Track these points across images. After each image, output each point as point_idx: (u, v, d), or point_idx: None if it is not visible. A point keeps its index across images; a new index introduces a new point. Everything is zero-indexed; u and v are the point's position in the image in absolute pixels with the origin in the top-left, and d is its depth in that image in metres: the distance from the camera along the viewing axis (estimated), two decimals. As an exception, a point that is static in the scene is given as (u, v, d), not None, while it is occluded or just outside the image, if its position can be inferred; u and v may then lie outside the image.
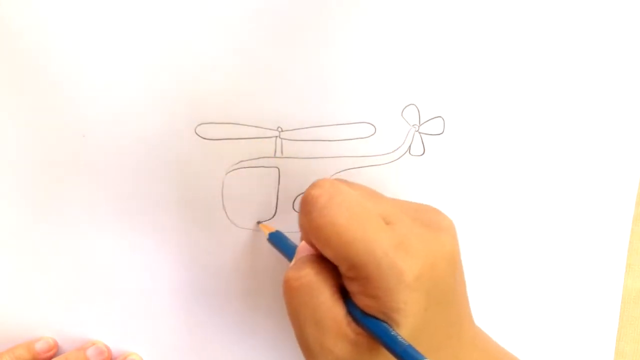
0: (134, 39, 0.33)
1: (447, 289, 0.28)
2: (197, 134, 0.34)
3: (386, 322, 0.27)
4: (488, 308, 0.38)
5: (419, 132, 0.36)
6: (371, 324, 0.27)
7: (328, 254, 0.28)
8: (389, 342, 0.26)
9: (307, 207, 0.28)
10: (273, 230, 0.35)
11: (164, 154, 0.35)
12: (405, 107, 0.35)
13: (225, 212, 0.36)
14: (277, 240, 0.34)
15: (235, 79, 0.34)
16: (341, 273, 0.28)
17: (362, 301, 0.27)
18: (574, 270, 0.38)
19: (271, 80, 0.34)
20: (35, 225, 0.35)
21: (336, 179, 0.32)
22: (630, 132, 0.37)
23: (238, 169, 0.35)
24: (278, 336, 0.38)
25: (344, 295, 0.28)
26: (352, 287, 0.28)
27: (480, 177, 0.37)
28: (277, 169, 0.35)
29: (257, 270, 0.37)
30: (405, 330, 0.27)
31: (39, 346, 0.36)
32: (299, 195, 0.35)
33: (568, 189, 0.37)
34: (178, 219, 0.36)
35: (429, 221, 0.29)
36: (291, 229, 0.36)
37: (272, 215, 0.36)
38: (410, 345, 0.26)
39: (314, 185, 0.28)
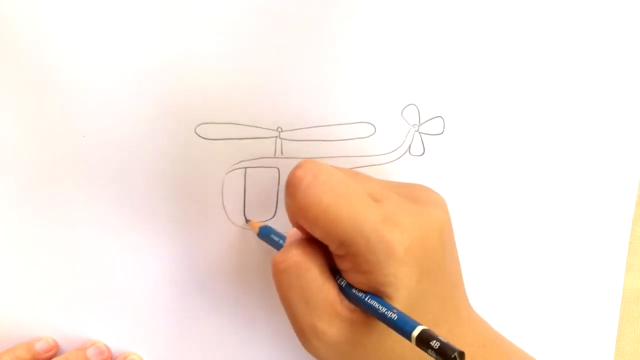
0: (133, 39, 0.33)
1: (438, 264, 0.28)
2: (197, 134, 0.34)
3: (379, 296, 0.27)
4: (488, 307, 0.38)
5: (419, 132, 0.36)
6: (364, 297, 0.27)
7: (316, 233, 0.27)
8: (384, 313, 0.26)
9: (291, 188, 0.27)
10: (261, 224, 0.35)
11: (164, 154, 0.35)
12: (405, 107, 0.35)
13: (225, 212, 0.36)
14: (267, 234, 0.34)
15: (235, 79, 0.34)
16: (331, 252, 0.28)
17: (353, 278, 0.27)
18: (574, 270, 0.38)
19: (271, 80, 0.34)
20: (35, 225, 0.35)
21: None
22: (630, 132, 0.37)
23: (238, 169, 0.35)
24: (281, 336, 0.37)
25: (335, 274, 0.28)
26: (342, 265, 0.28)
27: (480, 177, 0.37)
28: (277, 169, 0.35)
29: (258, 270, 0.37)
30: (400, 304, 0.27)
31: (39, 346, 0.36)
32: (299, 195, 0.35)
33: (568, 189, 0.37)
34: (178, 219, 0.36)
35: (418, 197, 0.29)
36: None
37: (272, 215, 0.36)
38: (404, 314, 0.26)
39: (297, 167, 0.28)
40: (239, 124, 0.35)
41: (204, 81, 0.34)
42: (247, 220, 0.36)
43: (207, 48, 0.33)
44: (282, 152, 0.35)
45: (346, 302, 0.28)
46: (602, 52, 0.35)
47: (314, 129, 0.35)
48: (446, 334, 0.29)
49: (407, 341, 0.25)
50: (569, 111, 0.36)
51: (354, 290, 0.27)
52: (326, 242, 0.28)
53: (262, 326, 0.37)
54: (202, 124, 0.34)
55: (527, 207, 0.37)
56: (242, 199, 0.35)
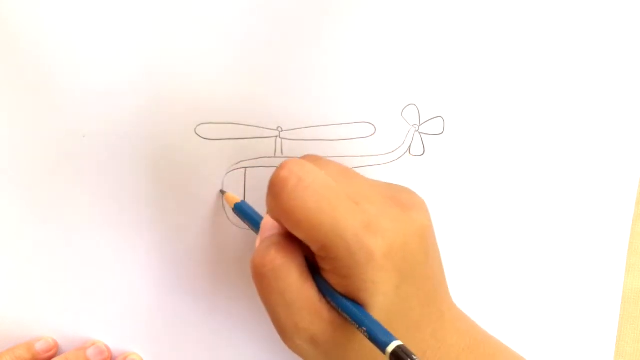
0: (133, 39, 0.33)
1: (419, 266, 0.28)
2: (197, 134, 0.34)
3: (357, 302, 0.27)
4: (488, 307, 0.38)
5: (419, 132, 0.36)
6: (340, 302, 0.27)
7: (298, 235, 0.27)
8: (358, 320, 0.26)
9: (275, 189, 0.27)
10: (238, 200, 0.34)
11: (164, 154, 0.35)
12: (405, 107, 0.35)
13: (225, 212, 0.36)
14: (243, 211, 0.34)
15: (235, 78, 0.34)
16: (313, 251, 0.28)
17: (333, 279, 0.27)
18: (574, 270, 0.38)
19: (271, 80, 0.34)
20: (35, 225, 0.35)
21: (306, 158, 0.31)
22: (630, 132, 0.36)
23: (238, 169, 0.35)
24: (278, 336, 0.37)
25: (314, 272, 0.28)
26: (323, 265, 0.28)
27: (480, 177, 0.37)
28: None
29: (257, 270, 0.37)
30: (377, 310, 0.27)
31: (39, 346, 0.36)
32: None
33: (568, 189, 0.37)
34: (178, 219, 0.36)
35: (400, 200, 0.29)
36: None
37: (272, 215, 0.36)
38: (381, 326, 0.26)
39: (281, 167, 0.28)
40: (239, 124, 0.35)
41: (204, 81, 0.34)
42: (222, 192, 0.35)
43: (207, 48, 0.33)
44: (282, 152, 0.35)
45: (325, 302, 0.28)
46: (602, 52, 0.35)
47: (314, 129, 0.35)
48: (429, 337, 0.29)
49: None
50: (568, 111, 0.36)
51: (332, 295, 0.28)
52: (307, 244, 0.28)
53: (263, 327, 0.37)
54: (202, 124, 0.34)
55: (527, 207, 0.37)
56: (242, 199, 0.35)
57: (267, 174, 0.35)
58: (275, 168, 0.28)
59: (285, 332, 0.29)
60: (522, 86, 0.36)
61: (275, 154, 0.35)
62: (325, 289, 0.28)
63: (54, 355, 0.37)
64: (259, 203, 0.36)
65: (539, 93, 0.36)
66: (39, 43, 0.33)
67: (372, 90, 0.35)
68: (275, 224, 0.29)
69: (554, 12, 0.35)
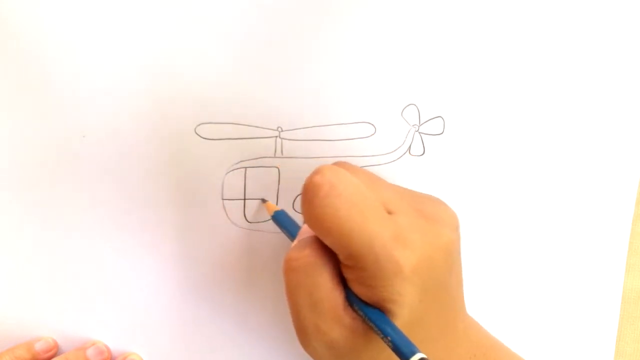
0: (133, 39, 0.33)
1: (442, 282, 0.28)
2: (197, 134, 0.34)
3: (382, 311, 0.27)
4: (488, 307, 0.38)
5: (419, 132, 0.36)
6: (368, 311, 0.27)
7: (327, 242, 0.27)
8: (384, 330, 0.26)
9: (308, 195, 0.27)
10: (277, 208, 0.34)
11: (164, 154, 0.35)
12: (405, 107, 0.35)
13: (225, 212, 0.36)
14: (281, 220, 0.34)
15: (235, 79, 0.34)
16: (340, 260, 0.28)
17: (358, 289, 0.27)
18: (574, 270, 0.38)
19: (271, 80, 0.34)
20: (35, 225, 0.35)
21: (338, 164, 0.31)
22: (630, 132, 0.37)
23: (238, 169, 0.35)
24: (279, 336, 0.37)
25: (343, 280, 0.28)
26: (349, 274, 0.28)
27: (480, 177, 0.37)
28: (277, 169, 0.35)
29: (258, 270, 0.37)
30: (400, 321, 0.27)
31: (39, 346, 0.36)
32: (299, 195, 0.35)
33: (568, 189, 0.37)
34: (178, 219, 0.36)
35: (431, 212, 0.29)
36: (291, 229, 0.36)
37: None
38: (404, 336, 0.26)
39: (315, 172, 0.28)
40: (239, 124, 0.35)
41: (204, 81, 0.34)
42: (263, 201, 0.35)
43: (207, 48, 0.33)
44: (282, 152, 0.35)
45: (349, 309, 0.28)
46: (602, 52, 0.35)
47: (314, 129, 0.35)
48: (442, 349, 0.29)
49: None
50: (568, 111, 0.36)
51: (358, 303, 0.28)
52: (336, 252, 0.28)
53: (262, 326, 0.37)
54: (202, 124, 0.34)
55: (527, 207, 0.37)
56: (242, 198, 0.35)
57: (267, 174, 0.35)
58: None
59: (305, 332, 0.28)
60: (522, 86, 0.36)
61: (275, 154, 0.35)
62: (350, 296, 0.28)
63: (54, 355, 0.37)
64: (258, 203, 0.36)
65: (539, 93, 0.36)
66: (39, 43, 0.33)
67: (372, 90, 0.35)
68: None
69: (554, 13, 0.35)
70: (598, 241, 0.38)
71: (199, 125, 0.34)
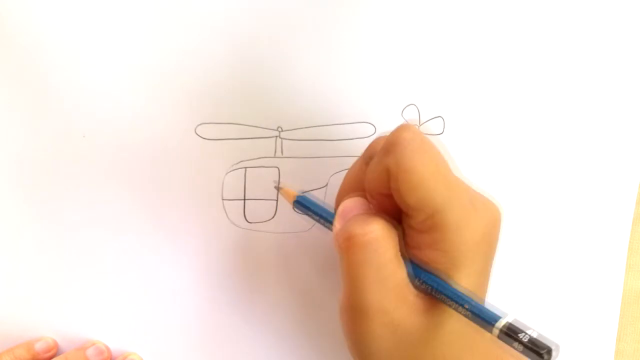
0: (133, 39, 0.33)
1: (491, 260, 0.29)
2: (197, 134, 0.34)
3: (450, 278, 0.26)
4: (488, 308, 0.38)
5: (419, 132, 0.36)
6: (437, 281, 0.26)
7: (410, 199, 0.26)
8: (459, 298, 0.25)
9: (397, 148, 0.26)
10: (296, 193, 0.33)
11: (164, 154, 0.35)
12: (405, 107, 0.35)
13: (225, 212, 0.36)
14: (307, 203, 0.32)
15: (235, 79, 0.34)
16: (411, 225, 0.27)
17: (427, 255, 0.27)
18: (574, 270, 0.38)
19: (271, 80, 0.34)
20: (35, 225, 0.35)
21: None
22: (630, 132, 0.36)
23: (238, 169, 0.35)
24: (279, 335, 0.37)
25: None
26: (420, 239, 0.27)
27: (480, 177, 0.37)
28: (277, 169, 0.35)
29: (258, 270, 0.37)
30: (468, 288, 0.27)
31: (39, 346, 0.36)
32: (299, 195, 0.35)
33: (568, 189, 0.37)
34: (178, 219, 0.36)
35: (481, 196, 0.29)
36: (292, 229, 0.36)
37: (272, 216, 0.36)
38: (481, 302, 0.25)
39: (401, 129, 0.27)
40: (239, 124, 0.35)
41: (204, 81, 0.34)
42: (279, 188, 0.35)
43: (207, 48, 0.33)
44: (282, 152, 0.35)
45: (411, 287, 0.27)
46: (602, 52, 0.35)
47: (314, 129, 0.35)
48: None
49: (467, 333, 0.24)
50: (569, 112, 0.36)
51: (424, 276, 0.26)
52: (413, 213, 0.26)
53: (262, 325, 0.37)
54: (202, 124, 0.34)
55: (527, 207, 0.37)
56: (242, 199, 0.35)
57: (267, 174, 0.35)
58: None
59: (366, 311, 0.27)
60: (522, 86, 0.36)
61: (275, 154, 0.35)
62: (417, 269, 0.27)
63: (54, 355, 0.37)
64: (259, 203, 0.36)
65: (539, 94, 0.36)
66: (39, 43, 0.33)
67: (372, 90, 0.35)
68: (359, 205, 0.28)
69: (554, 13, 0.35)
70: (598, 241, 0.38)
71: (199, 125, 0.34)
